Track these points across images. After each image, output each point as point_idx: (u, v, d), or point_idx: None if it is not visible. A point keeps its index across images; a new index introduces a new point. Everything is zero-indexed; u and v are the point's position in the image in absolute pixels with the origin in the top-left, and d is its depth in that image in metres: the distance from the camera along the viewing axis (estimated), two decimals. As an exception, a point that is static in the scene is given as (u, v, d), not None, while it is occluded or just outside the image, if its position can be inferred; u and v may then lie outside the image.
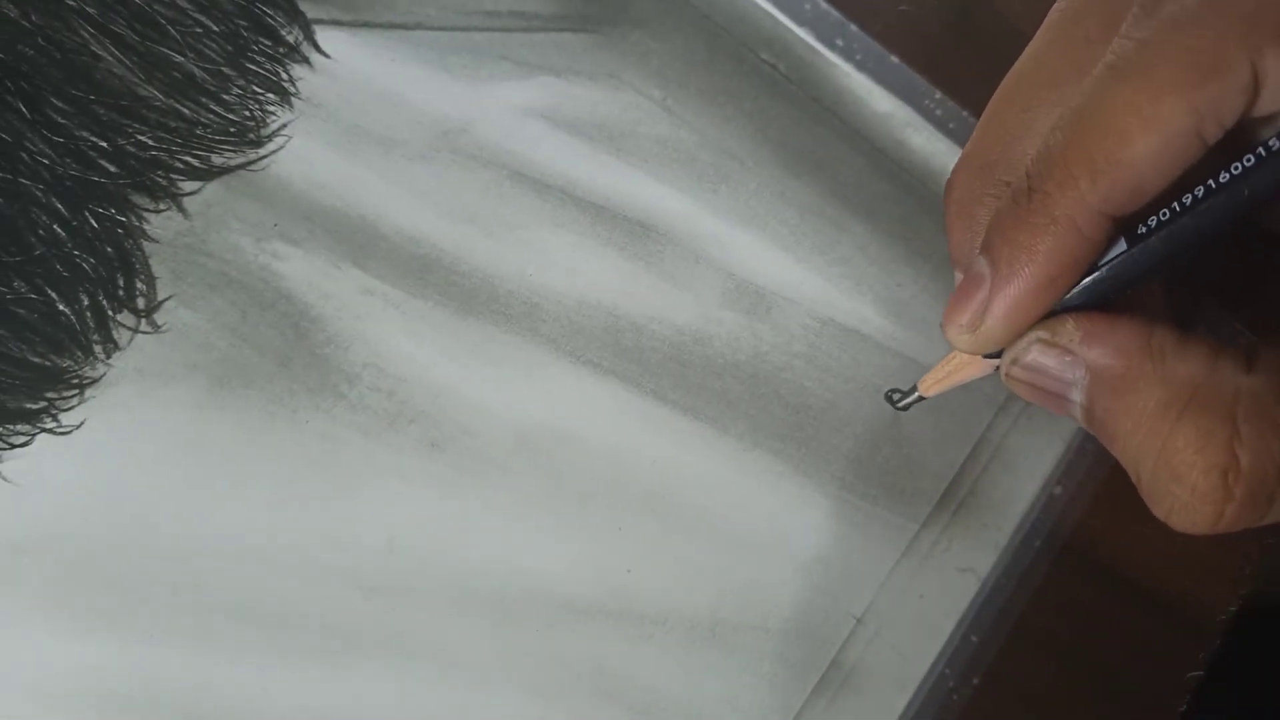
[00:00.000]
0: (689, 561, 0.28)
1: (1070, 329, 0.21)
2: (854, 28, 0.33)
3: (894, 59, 0.33)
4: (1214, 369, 0.19)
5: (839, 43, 0.33)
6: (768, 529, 0.28)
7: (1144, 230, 0.20)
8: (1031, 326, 0.21)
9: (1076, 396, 0.21)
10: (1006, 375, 0.22)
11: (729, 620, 0.27)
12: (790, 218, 0.31)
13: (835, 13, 0.33)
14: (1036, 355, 0.21)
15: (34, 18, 0.27)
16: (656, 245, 0.30)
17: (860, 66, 0.33)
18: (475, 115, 0.30)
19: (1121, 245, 0.20)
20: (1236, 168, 0.19)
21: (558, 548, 0.27)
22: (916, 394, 0.27)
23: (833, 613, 0.28)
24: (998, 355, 0.23)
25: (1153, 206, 0.20)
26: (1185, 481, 0.19)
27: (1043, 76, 0.22)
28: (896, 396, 0.29)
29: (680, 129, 0.31)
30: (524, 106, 0.31)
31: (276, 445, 0.26)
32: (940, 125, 0.33)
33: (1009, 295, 0.20)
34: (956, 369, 0.25)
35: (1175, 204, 0.20)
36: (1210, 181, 0.19)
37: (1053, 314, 0.21)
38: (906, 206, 0.32)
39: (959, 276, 0.24)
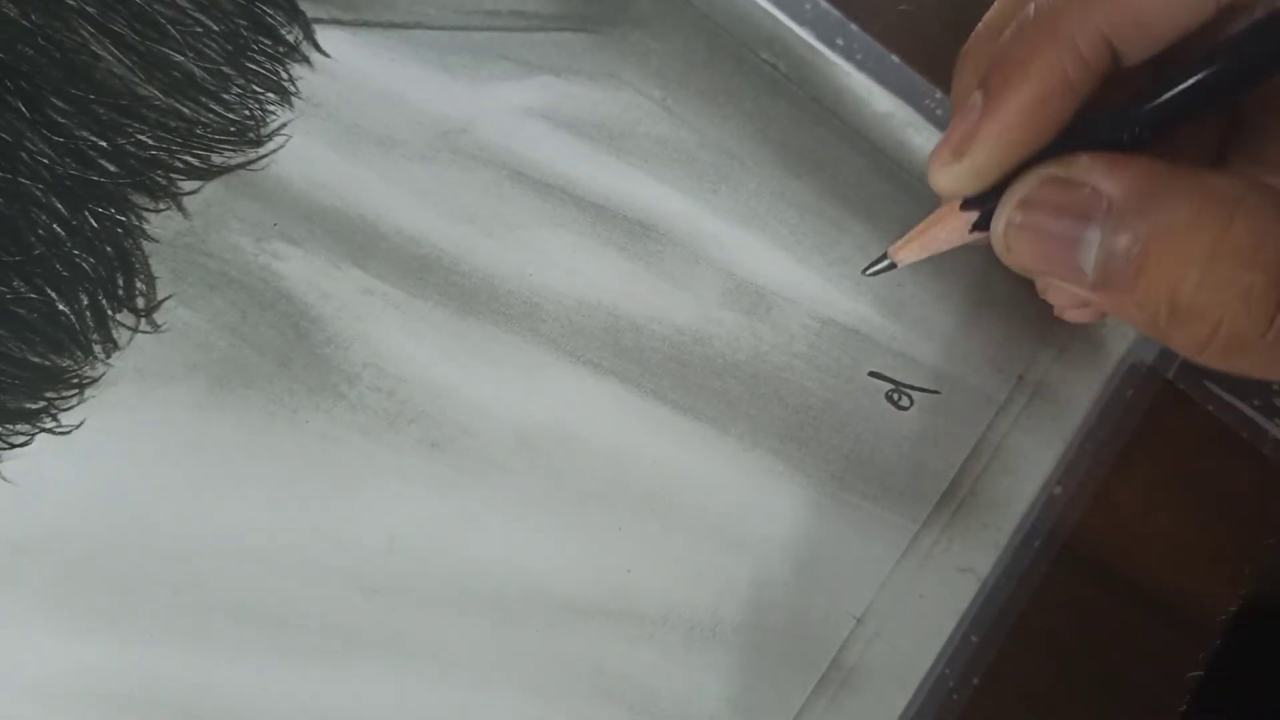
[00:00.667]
0: (689, 561, 0.28)
1: (1085, 161, 0.19)
2: (854, 28, 0.33)
3: (894, 59, 0.33)
4: (1254, 185, 0.18)
5: (839, 42, 0.33)
6: (768, 529, 0.28)
7: (1156, 90, 0.19)
8: (1027, 166, 0.19)
9: (1093, 236, 0.19)
10: (1006, 226, 0.20)
11: (729, 620, 0.27)
12: (790, 218, 0.31)
13: (835, 13, 0.33)
14: (1049, 192, 0.19)
15: (34, 17, 0.27)
16: (656, 245, 0.30)
17: (860, 66, 0.33)
18: (475, 115, 0.30)
19: (1139, 104, 0.19)
20: (1254, 35, 0.18)
21: (558, 548, 0.27)
22: (886, 261, 0.24)
23: (833, 613, 0.28)
24: (985, 226, 0.21)
25: (1162, 76, 0.19)
26: (1239, 284, 0.17)
27: None
28: (868, 269, 0.26)
29: (680, 129, 0.31)
30: (524, 106, 0.31)
31: (276, 445, 0.26)
32: (940, 125, 0.33)
33: (1000, 116, 0.19)
34: (932, 225, 0.23)
35: (1189, 74, 0.19)
36: (1225, 48, 0.19)
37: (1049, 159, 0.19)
38: (906, 206, 0.32)
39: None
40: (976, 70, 0.22)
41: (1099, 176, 0.19)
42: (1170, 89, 0.19)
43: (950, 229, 0.22)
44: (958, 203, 0.22)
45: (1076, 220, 0.19)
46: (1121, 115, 0.20)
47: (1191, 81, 0.19)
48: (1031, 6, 0.19)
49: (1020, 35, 0.19)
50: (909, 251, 0.24)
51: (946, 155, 0.20)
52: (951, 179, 0.20)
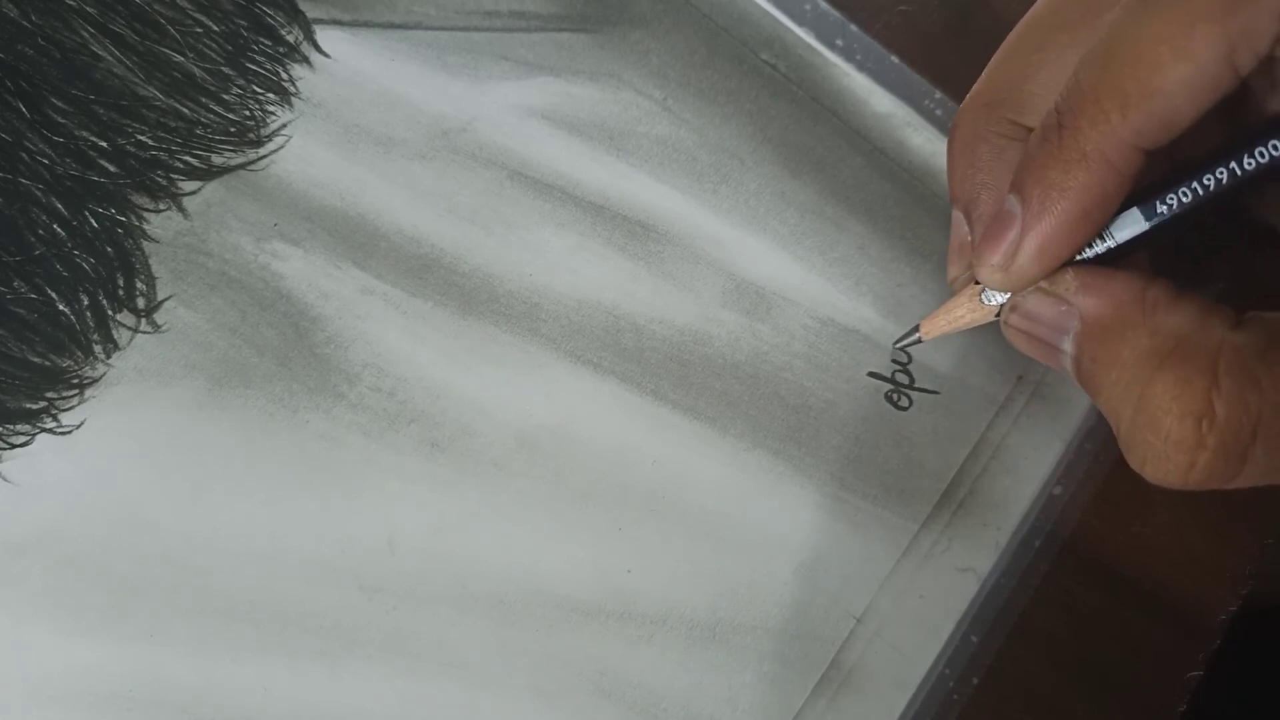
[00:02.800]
0: (689, 561, 0.28)
1: (1069, 279, 0.21)
2: (854, 28, 0.33)
3: (894, 59, 0.33)
4: (1202, 323, 0.19)
5: (839, 43, 0.33)
6: (768, 529, 0.28)
7: (1163, 210, 0.20)
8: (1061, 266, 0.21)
9: (1067, 347, 0.21)
10: (1005, 323, 0.23)
11: (729, 620, 0.27)
12: (790, 218, 0.31)
13: (835, 13, 0.33)
14: (1034, 304, 0.22)
15: (34, 18, 0.27)
16: (656, 245, 0.30)
17: (860, 66, 0.33)
18: (475, 115, 0.30)
19: (1140, 222, 0.20)
20: (1263, 154, 0.19)
21: (558, 548, 0.27)
22: (917, 335, 0.27)
23: (833, 612, 0.28)
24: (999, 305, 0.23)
25: (1170, 184, 0.20)
26: (1160, 428, 0.19)
27: (1057, 19, 0.22)
28: (899, 342, 0.28)
29: (680, 129, 0.31)
30: (524, 106, 0.31)
31: (276, 445, 0.26)
32: (940, 125, 0.33)
33: (1041, 232, 0.20)
34: (962, 315, 0.25)
35: (1197, 185, 0.20)
36: (1234, 166, 0.19)
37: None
38: (906, 206, 0.32)
39: (956, 215, 0.24)
40: (969, 153, 0.23)
41: (1075, 295, 0.21)
42: (1178, 197, 0.20)
43: (973, 311, 0.25)
44: (978, 288, 0.24)
45: (1055, 331, 0.21)
46: (1131, 215, 0.21)
47: (1198, 192, 0.20)
48: (1054, 117, 0.20)
49: (1050, 156, 0.20)
50: (938, 331, 0.26)
51: (995, 264, 0.22)
52: (1001, 283, 0.22)
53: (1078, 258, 0.21)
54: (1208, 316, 0.19)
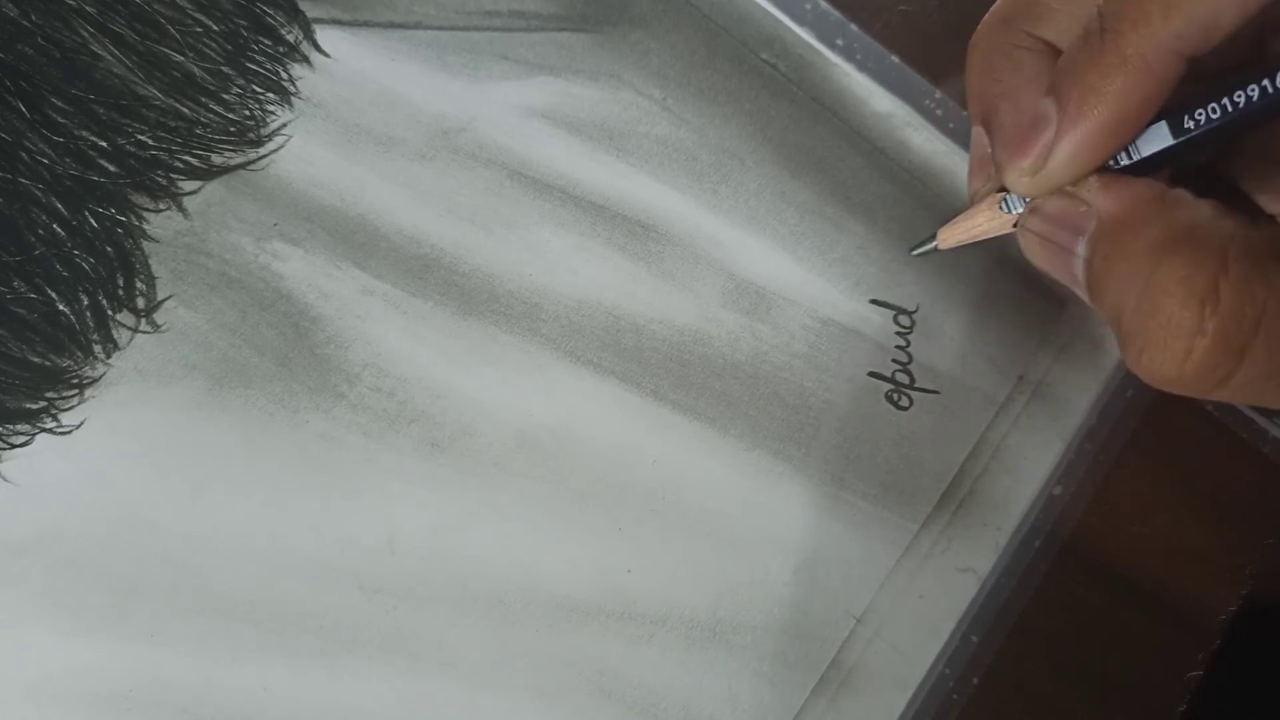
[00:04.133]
0: (689, 561, 0.28)
1: (1092, 182, 0.21)
2: (854, 28, 0.33)
3: (894, 59, 0.33)
4: (1217, 217, 0.19)
5: (839, 43, 0.33)
6: (767, 529, 0.28)
7: (1190, 125, 0.20)
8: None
9: (1081, 250, 0.21)
10: (1022, 228, 0.22)
11: (729, 620, 0.27)
12: (790, 218, 0.31)
13: (835, 13, 0.33)
14: (1054, 205, 0.21)
15: (34, 17, 0.27)
16: (657, 245, 0.30)
17: (860, 66, 0.33)
18: (475, 114, 0.30)
19: (1167, 137, 0.20)
20: None
21: (558, 548, 0.27)
22: (933, 243, 0.26)
23: (833, 612, 0.28)
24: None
25: (1200, 100, 0.20)
26: (1162, 311, 0.19)
27: None
28: (915, 248, 0.28)
29: (680, 129, 0.31)
30: (524, 106, 0.31)
31: (276, 445, 0.26)
32: (940, 125, 0.33)
33: (1077, 136, 0.20)
34: (980, 224, 0.25)
35: (1227, 102, 0.19)
36: (1266, 84, 0.19)
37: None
38: (906, 206, 0.32)
39: (976, 130, 0.24)
40: (988, 66, 0.23)
41: (1097, 195, 0.20)
42: (1207, 113, 0.20)
43: (991, 219, 0.24)
44: (998, 196, 0.24)
45: (1072, 234, 0.21)
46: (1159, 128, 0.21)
47: (1228, 109, 0.20)
48: (1096, 21, 0.20)
49: (1090, 60, 0.20)
50: (956, 240, 0.25)
51: (1024, 167, 0.21)
52: (1028, 187, 0.22)
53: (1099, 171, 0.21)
54: (1223, 213, 0.19)
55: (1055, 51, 0.22)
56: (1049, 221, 0.21)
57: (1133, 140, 0.21)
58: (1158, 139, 0.20)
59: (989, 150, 0.24)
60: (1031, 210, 0.22)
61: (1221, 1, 0.18)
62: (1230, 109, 0.20)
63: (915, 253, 0.28)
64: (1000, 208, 0.24)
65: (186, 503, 0.26)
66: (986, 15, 0.24)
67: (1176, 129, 0.20)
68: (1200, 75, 0.20)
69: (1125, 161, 0.21)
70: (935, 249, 0.26)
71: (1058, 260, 0.21)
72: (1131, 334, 0.19)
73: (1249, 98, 0.19)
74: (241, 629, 0.25)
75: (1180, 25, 0.19)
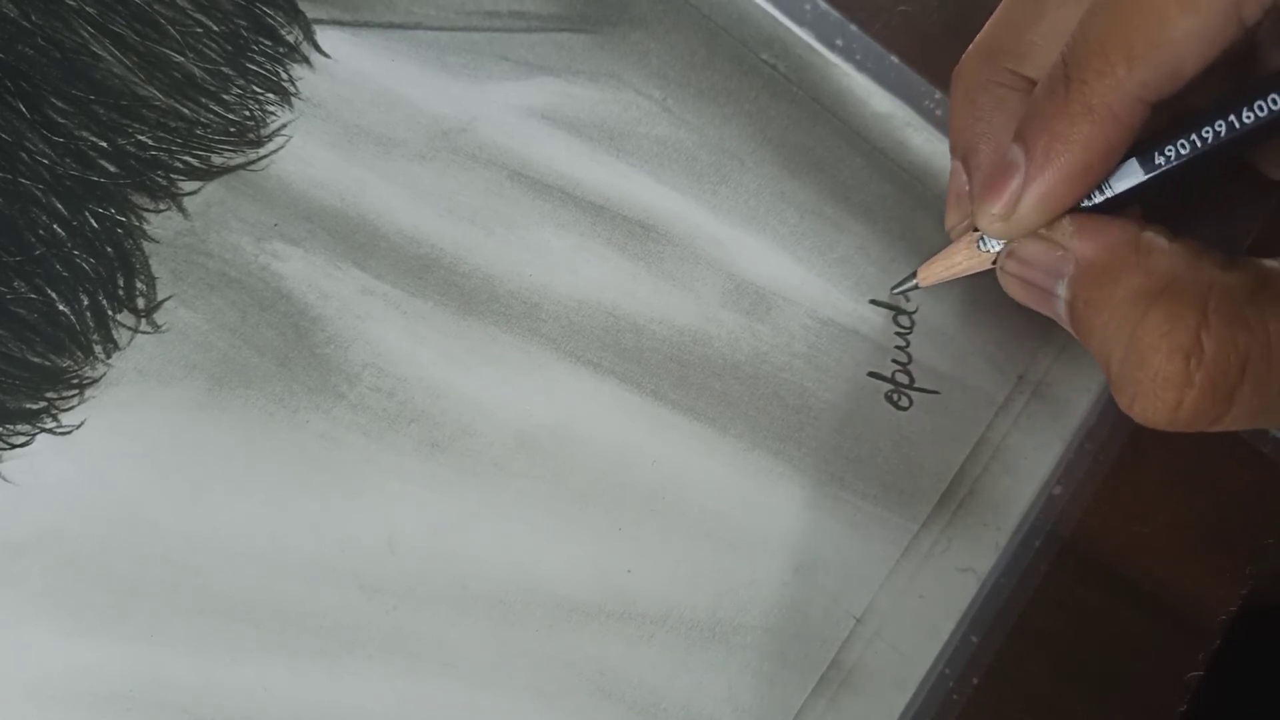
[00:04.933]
0: (689, 561, 0.28)
1: (1066, 225, 0.21)
2: (854, 28, 0.33)
3: (894, 59, 0.33)
4: (1194, 264, 0.19)
5: (839, 43, 0.33)
6: (767, 529, 0.28)
7: (1161, 161, 0.20)
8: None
9: (1062, 292, 0.21)
10: (1000, 269, 0.23)
11: (729, 620, 0.27)
12: (790, 218, 0.31)
13: (835, 13, 0.33)
14: (1031, 249, 0.22)
15: (34, 18, 0.27)
16: (656, 245, 0.30)
17: (860, 66, 0.33)
18: (475, 115, 0.30)
19: (1138, 173, 0.20)
20: (1261, 108, 0.19)
21: (558, 548, 0.27)
22: (914, 281, 0.27)
23: (833, 612, 0.28)
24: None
25: (1169, 136, 0.20)
26: (1149, 365, 0.19)
27: None
28: (896, 287, 0.29)
29: (680, 129, 0.31)
30: (524, 106, 0.31)
31: (276, 445, 0.26)
32: (940, 125, 0.33)
33: (1045, 183, 0.21)
34: (959, 262, 0.25)
35: (1195, 138, 0.20)
36: (1233, 119, 0.19)
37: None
38: (906, 206, 0.32)
39: (955, 164, 0.24)
40: (970, 102, 0.24)
41: (1071, 240, 0.21)
42: (1176, 149, 0.20)
43: (970, 258, 0.25)
44: (975, 235, 0.24)
45: (1050, 276, 0.21)
46: (1130, 167, 0.21)
47: (1197, 145, 0.20)
48: (1060, 69, 0.20)
49: (1056, 109, 0.20)
50: (936, 278, 0.26)
51: (995, 213, 0.22)
52: (1001, 231, 0.22)
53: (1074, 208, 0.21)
54: (1199, 258, 0.19)
55: None
56: (1026, 265, 0.22)
57: (1103, 180, 0.21)
58: (1129, 175, 0.21)
59: (966, 186, 0.24)
60: (1009, 254, 0.22)
61: (1184, 50, 0.18)
62: (1199, 144, 0.20)
63: (896, 291, 0.29)
64: (979, 246, 0.24)
65: (186, 503, 0.26)
66: (970, 47, 0.24)
67: (1147, 165, 0.21)
68: (1170, 105, 0.20)
69: (1099, 198, 0.21)
70: (916, 287, 0.27)
71: (1039, 299, 0.22)
72: (1122, 383, 0.20)
73: (1216, 134, 0.20)
74: (241, 629, 0.25)
75: (1145, 75, 0.19)
